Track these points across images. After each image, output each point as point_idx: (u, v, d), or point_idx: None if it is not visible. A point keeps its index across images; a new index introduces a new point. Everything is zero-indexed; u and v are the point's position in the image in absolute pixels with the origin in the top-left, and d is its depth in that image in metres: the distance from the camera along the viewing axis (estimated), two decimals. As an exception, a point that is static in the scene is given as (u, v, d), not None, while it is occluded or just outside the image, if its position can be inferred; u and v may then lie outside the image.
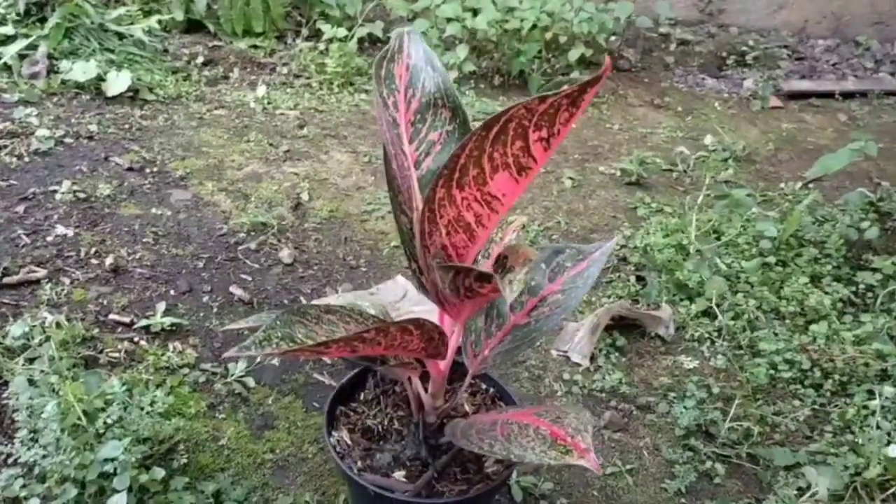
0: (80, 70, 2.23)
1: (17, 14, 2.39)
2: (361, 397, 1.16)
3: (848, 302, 1.78)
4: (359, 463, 1.05)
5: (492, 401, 1.17)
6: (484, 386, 1.19)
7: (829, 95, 3.04)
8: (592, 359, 1.55)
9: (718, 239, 1.93)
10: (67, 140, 2.02)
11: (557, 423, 0.88)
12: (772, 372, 1.55)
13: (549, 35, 2.72)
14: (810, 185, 2.35)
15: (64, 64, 2.28)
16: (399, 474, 1.04)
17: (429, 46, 0.96)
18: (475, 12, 2.66)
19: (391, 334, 0.82)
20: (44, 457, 1.10)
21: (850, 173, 2.40)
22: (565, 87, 0.71)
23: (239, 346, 0.74)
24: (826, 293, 1.77)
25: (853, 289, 1.80)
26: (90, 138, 2.05)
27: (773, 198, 2.25)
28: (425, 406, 1.06)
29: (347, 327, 0.90)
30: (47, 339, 1.35)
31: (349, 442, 1.08)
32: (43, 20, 2.43)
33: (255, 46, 2.77)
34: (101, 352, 1.39)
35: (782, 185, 2.34)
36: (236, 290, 1.59)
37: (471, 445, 0.91)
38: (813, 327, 1.66)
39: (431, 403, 1.05)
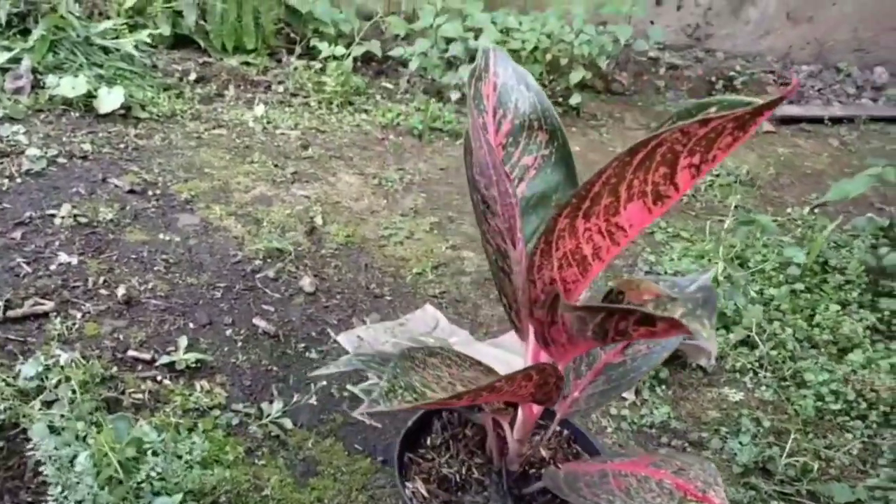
0: (69, 85, 2.10)
1: (-2, 25, 2.24)
2: (429, 442, 1.07)
3: (874, 329, 1.76)
4: None
5: (567, 444, 1.10)
6: (558, 428, 1.11)
7: (818, 121, 3.08)
8: (637, 392, 1.49)
9: (743, 265, 1.90)
10: (60, 160, 1.88)
11: (682, 476, 0.81)
12: (818, 403, 1.51)
13: (549, 56, 2.68)
14: (817, 210, 2.35)
15: (50, 79, 2.14)
16: None
17: (517, 64, 0.89)
18: (476, 34, 2.61)
19: (517, 381, 0.75)
20: (81, 516, 0.98)
21: (851, 198, 2.41)
22: (736, 109, 0.64)
23: (369, 401, 0.66)
24: (857, 320, 1.75)
25: (878, 315, 1.79)
26: (84, 158, 1.92)
27: (783, 223, 2.24)
28: (510, 452, 0.98)
29: (451, 371, 0.81)
30: (67, 379, 1.22)
31: (425, 493, 0.99)
32: (25, 32, 2.29)
33: (247, 63, 2.66)
34: (122, 392, 1.27)
35: (789, 209, 2.33)
36: (260, 322, 1.49)
37: (581, 500, 0.83)
38: (850, 356, 1.64)
39: (517, 449, 0.97)
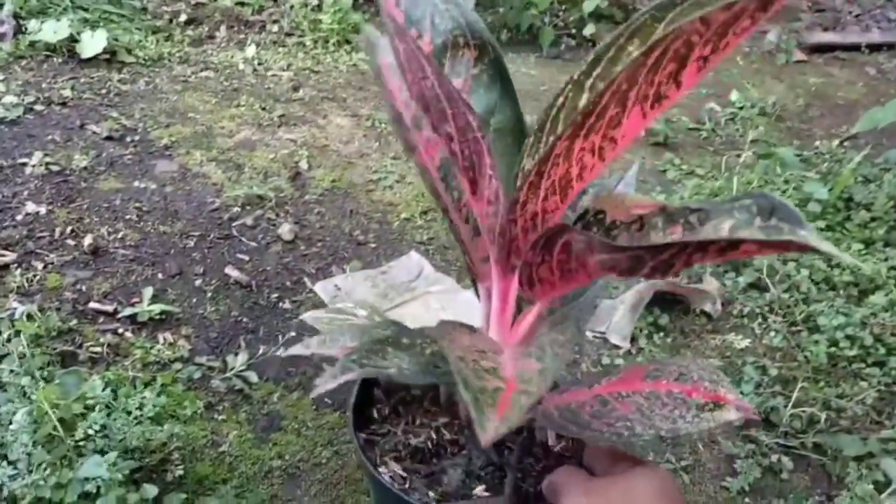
0: (51, 30, 2.02)
1: (-21, -30, 2.16)
2: (376, 415, 0.97)
3: (902, 269, 1.63)
4: (431, 493, 0.85)
5: None
6: None
7: (854, 48, 2.86)
8: (633, 340, 1.39)
9: (759, 203, 1.76)
10: (38, 107, 1.82)
11: (686, 381, 0.72)
12: (832, 350, 1.39)
13: (559, -15, 2.53)
14: (847, 143, 2.18)
15: (32, 24, 2.06)
16: (480, 489, 0.85)
17: None
18: (479, -38, 2.46)
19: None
20: (13, 476, 0.93)
21: (884, 130, 2.23)
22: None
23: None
24: (881, 260, 1.61)
25: (906, 254, 1.65)
26: (63, 104, 1.85)
27: (810, 157, 2.08)
28: None
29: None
30: (17, 333, 1.17)
31: (403, 473, 0.88)
32: (8, -24, 2.21)
33: (241, 3, 2.56)
34: (80, 346, 1.21)
35: (817, 143, 2.17)
36: (232, 272, 1.42)
37: (597, 434, 0.72)
38: (871, 298, 1.51)
39: None
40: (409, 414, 0.94)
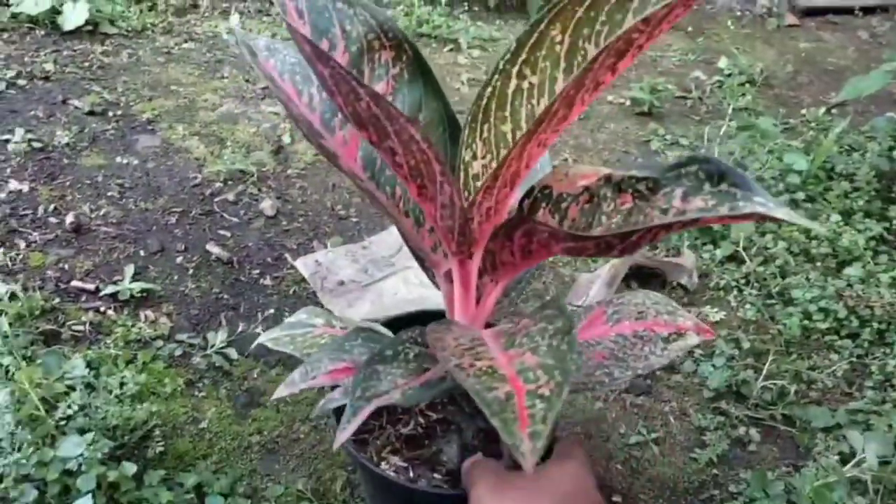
0: (32, 2, 2.01)
1: (-42, -60, 2.14)
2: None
3: (880, 240, 1.64)
4: (436, 475, 0.86)
5: None
6: None
7: (848, 11, 2.84)
8: (609, 313, 1.41)
9: (741, 174, 1.77)
10: (20, 82, 1.82)
11: (646, 318, 0.75)
12: (805, 322, 1.41)
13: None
14: (834, 111, 2.17)
15: (14, -5, 2.05)
16: (478, 457, 0.85)
17: None
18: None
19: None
20: (-5, 456, 0.96)
21: (874, 96, 2.22)
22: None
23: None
24: (858, 231, 1.62)
25: (886, 225, 1.66)
26: (46, 79, 1.85)
27: (796, 125, 2.09)
28: None
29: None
30: (0, 313, 1.19)
31: (404, 464, 0.88)
32: (-12, -54, 2.19)
33: (226, -29, 2.53)
34: (63, 325, 1.24)
35: (804, 111, 2.17)
36: (213, 249, 1.43)
37: (581, 387, 0.75)
38: (847, 270, 1.52)
39: None
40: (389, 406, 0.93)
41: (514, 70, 0.61)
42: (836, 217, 1.64)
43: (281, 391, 0.70)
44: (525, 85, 0.61)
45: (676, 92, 2.20)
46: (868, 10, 2.85)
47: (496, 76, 0.60)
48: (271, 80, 0.69)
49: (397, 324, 0.92)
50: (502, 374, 0.55)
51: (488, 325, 0.75)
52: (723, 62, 2.38)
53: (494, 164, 0.65)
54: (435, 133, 0.72)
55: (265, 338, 0.89)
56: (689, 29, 2.66)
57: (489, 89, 0.62)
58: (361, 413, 0.59)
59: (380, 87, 0.70)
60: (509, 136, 0.64)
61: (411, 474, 0.83)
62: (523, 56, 0.60)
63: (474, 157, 0.63)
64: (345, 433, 0.59)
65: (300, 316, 0.92)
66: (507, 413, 0.48)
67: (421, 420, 0.90)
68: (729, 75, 2.30)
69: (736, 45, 2.54)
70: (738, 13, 2.81)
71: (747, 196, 0.52)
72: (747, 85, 2.26)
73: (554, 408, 0.49)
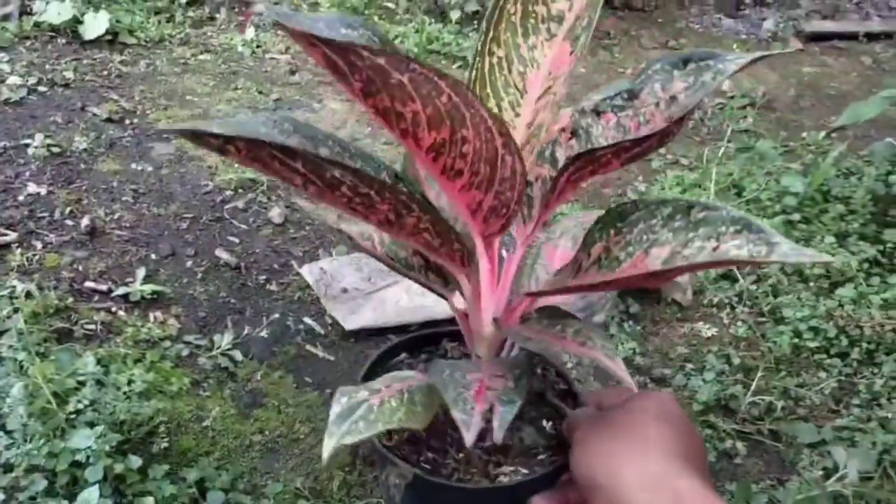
0: (55, 11, 2.08)
1: (-14, -50, 2.22)
2: None
3: (874, 262, 1.67)
4: (457, 475, 0.84)
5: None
6: None
7: (852, 37, 2.88)
8: (605, 327, 1.45)
9: (739, 195, 1.81)
10: (41, 88, 1.88)
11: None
12: (795, 340, 1.45)
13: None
14: (834, 135, 2.21)
15: (38, 4, 2.12)
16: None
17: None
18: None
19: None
20: (9, 446, 1.00)
21: (874, 121, 2.26)
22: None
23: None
24: (852, 253, 1.66)
25: (880, 248, 1.69)
26: (66, 86, 1.91)
27: (796, 148, 2.13)
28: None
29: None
30: (16, 310, 1.24)
31: (512, 468, 0.85)
32: (14, -43, 2.26)
33: (243, -16, 2.60)
34: (75, 324, 1.28)
35: (804, 134, 2.21)
36: (222, 254, 1.48)
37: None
38: (839, 291, 1.56)
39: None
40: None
41: (486, 49, 0.65)
42: (830, 239, 1.67)
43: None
44: (494, 60, 0.67)
45: (679, 113, 2.25)
46: (872, 37, 2.89)
47: (476, 59, 0.65)
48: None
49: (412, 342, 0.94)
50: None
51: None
52: (726, 85, 2.42)
53: None
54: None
55: (337, 439, 0.76)
56: (695, 51, 2.71)
57: (473, 73, 0.66)
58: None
59: None
60: (495, 110, 0.68)
61: (525, 471, 0.79)
62: (491, 34, 0.65)
63: None
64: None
65: (343, 400, 0.80)
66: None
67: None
68: (731, 98, 2.35)
69: (740, 68, 2.59)
70: (744, 37, 2.86)
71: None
72: (749, 108, 2.31)
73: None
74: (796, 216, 1.74)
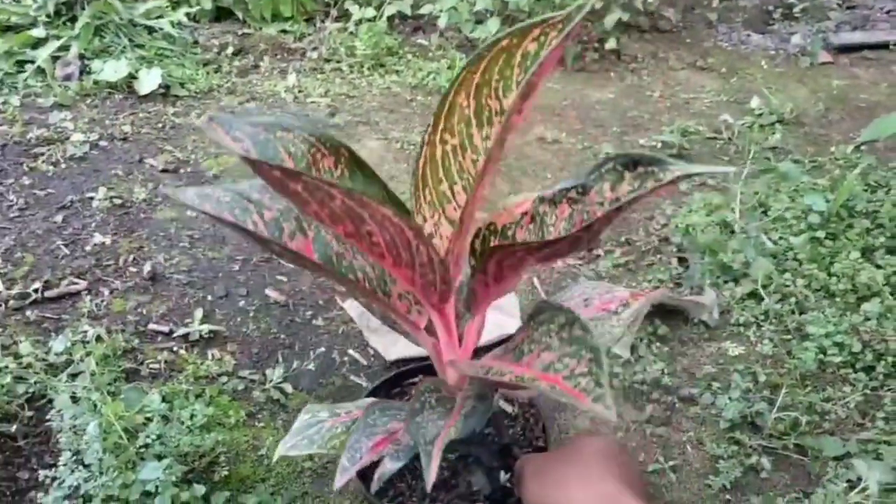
0: (112, 69, 2.24)
1: (47, 16, 2.40)
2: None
3: (902, 275, 1.70)
4: (400, 499, 0.95)
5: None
6: None
7: (883, 46, 2.89)
8: (633, 349, 1.52)
9: (766, 214, 1.86)
10: (102, 143, 2.04)
11: (591, 304, 0.86)
12: (821, 356, 1.49)
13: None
14: (863, 148, 2.24)
15: (96, 64, 2.29)
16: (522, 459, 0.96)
17: (258, 118, 0.75)
18: (504, -17, 2.59)
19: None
20: (87, 479, 1.12)
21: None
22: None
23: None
24: (879, 267, 1.70)
25: (908, 261, 1.72)
26: (124, 140, 2.07)
27: (824, 163, 2.16)
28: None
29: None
30: (88, 353, 1.37)
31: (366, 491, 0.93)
32: (73, 20, 2.44)
33: (284, 31, 2.75)
34: (141, 363, 1.41)
35: (833, 148, 2.24)
36: (272, 293, 1.60)
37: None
38: (865, 306, 1.60)
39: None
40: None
41: (437, 138, 0.74)
42: (855, 254, 1.71)
43: (338, 480, 0.75)
44: (448, 148, 0.74)
45: (707, 133, 2.30)
46: (904, 45, 2.90)
47: (425, 147, 0.74)
48: (216, 219, 0.75)
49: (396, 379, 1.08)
50: (531, 377, 0.66)
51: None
52: (754, 102, 2.46)
53: (443, 221, 0.78)
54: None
55: (283, 449, 0.90)
56: (723, 70, 2.75)
57: (422, 160, 0.75)
58: (435, 455, 0.67)
59: None
60: (448, 193, 0.76)
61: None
62: (441, 125, 0.73)
63: (424, 219, 0.76)
64: (431, 475, 0.66)
65: (304, 417, 0.95)
66: (565, 398, 0.59)
67: (443, 464, 0.97)
68: (759, 115, 2.39)
69: (768, 84, 2.63)
70: (773, 52, 2.90)
71: (664, 167, 0.63)
72: (777, 124, 2.34)
73: (601, 373, 0.60)
74: (821, 233, 1.78)
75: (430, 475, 0.67)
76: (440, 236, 0.77)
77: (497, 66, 0.68)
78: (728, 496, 1.26)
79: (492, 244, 0.77)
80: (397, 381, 1.12)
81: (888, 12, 3.15)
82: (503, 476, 0.93)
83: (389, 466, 0.81)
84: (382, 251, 0.70)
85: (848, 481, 1.26)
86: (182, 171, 1.96)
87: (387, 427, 0.82)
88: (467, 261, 0.79)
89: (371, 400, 0.98)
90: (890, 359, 1.47)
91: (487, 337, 1.48)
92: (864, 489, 1.23)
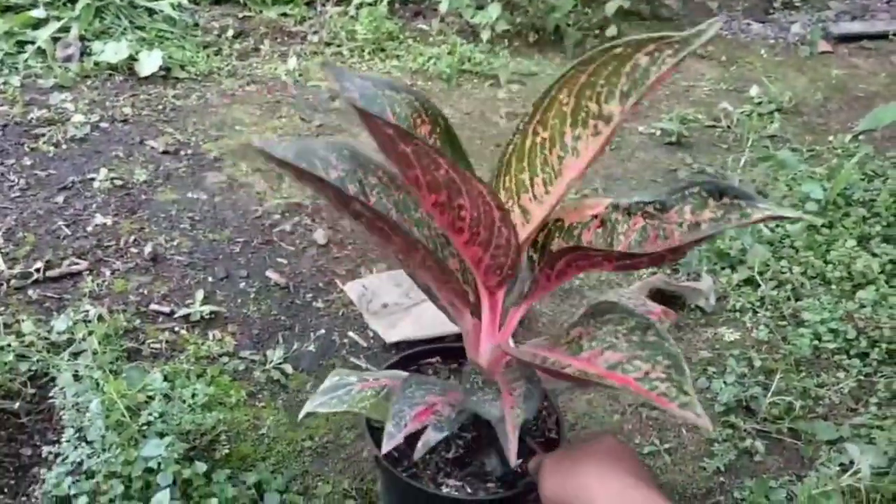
0: (112, 51, 2.24)
1: (48, -4, 2.40)
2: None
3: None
4: (490, 485, 0.95)
5: None
6: None
7: (882, 36, 2.90)
8: (630, 334, 1.53)
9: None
10: (103, 125, 2.04)
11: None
12: (816, 342, 1.51)
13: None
14: (860, 138, 2.25)
15: (96, 45, 2.29)
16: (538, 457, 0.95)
17: (369, 74, 0.81)
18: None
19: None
20: (90, 455, 1.13)
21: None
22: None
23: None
24: (874, 255, 1.71)
25: (904, 249, 1.74)
26: (125, 121, 2.07)
27: (822, 152, 2.17)
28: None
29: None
30: (90, 333, 1.38)
31: (460, 483, 0.95)
32: (73, 1, 2.43)
33: (284, 14, 2.74)
34: (143, 343, 1.42)
35: (831, 137, 2.25)
36: (272, 275, 1.61)
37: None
38: (860, 293, 1.61)
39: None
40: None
41: (530, 129, 0.76)
42: (852, 242, 1.73)
43: (386, 445, 0.76)
44: (538, 140, 0.76)
45: (706, 121, 2.31)
46: (903, 35, 2.90)
47: (515, 135, 0.76)
48: (289, 167, 0.72)
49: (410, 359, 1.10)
50: (595, 373, 0.67)
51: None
52: (753, 90, 2.47)
53: (516, 209, 0.79)
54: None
55: (311, 406, 0.95)
56: (723, 58, 2.76)
57: (510, 146, 0.77)
58: (514, 436, 0.71)
59: None
60: (527, 182, 0.78)
61: (469, 490, 0.93)
62: (537, 117, 0.75)
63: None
64: (512, 454, 0.70)
65: (333, 379, 0.98)
66: (643, 400, 0.63)
67: (459, 442, 1.00)
68: (758, 103, 2.40)
69: (768, 73, 2.63)
70: (772, 41, 2.90)
71: (752, 205, 0.65)
72: (776, 113, 2.35)
73: (684, 380, 0.64)
74: (819, 221, 1.79)
75: (512, 455, 0.69)
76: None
77: (606, 71, 0.69)
78: (722, 478, 1.28)
79: (561, 243, 0.79)
80: (406, 363, 1.12)
81: (888, 2, 3.15)
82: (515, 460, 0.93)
83: (433, 436, 0.83)
84: (464, 226, 0.72)
85: (840, 465, 1.28)
86: (182, 153, 1.97)
87: (425, 399, 0.83)
88: (526, 251, 0.81)
89: (402, 373, 1.01)
90: (884, 345, 1.49)
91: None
92: (856, 472, 1.25)
